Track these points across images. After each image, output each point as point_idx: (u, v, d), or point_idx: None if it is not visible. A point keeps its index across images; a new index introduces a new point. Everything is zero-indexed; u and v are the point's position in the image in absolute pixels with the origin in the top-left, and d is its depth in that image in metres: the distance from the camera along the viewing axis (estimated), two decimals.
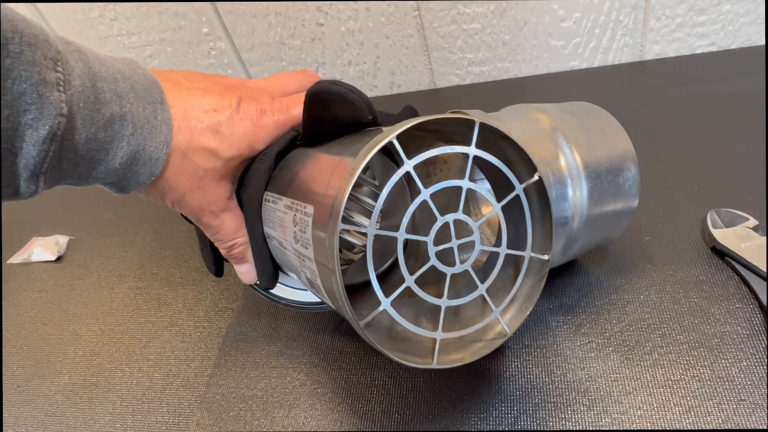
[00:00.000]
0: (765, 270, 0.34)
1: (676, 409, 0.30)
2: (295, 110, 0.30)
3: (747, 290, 0.35)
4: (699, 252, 0.38)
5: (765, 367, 0.31)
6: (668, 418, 0.30)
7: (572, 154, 0.31)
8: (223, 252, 0.33)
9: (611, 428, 0.30)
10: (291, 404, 0.36)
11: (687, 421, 0.30)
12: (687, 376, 0.32)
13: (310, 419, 0.35)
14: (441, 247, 0.25)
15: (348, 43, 0.60)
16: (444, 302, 0.25)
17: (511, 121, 0.33)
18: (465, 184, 0.24)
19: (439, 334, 0.25)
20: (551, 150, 0.31)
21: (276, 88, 0.32)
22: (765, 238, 0.36)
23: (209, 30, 0.62)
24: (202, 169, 0.28)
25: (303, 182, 0.27)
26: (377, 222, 0.27)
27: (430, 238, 0.24)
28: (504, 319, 0.28)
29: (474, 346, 0.27)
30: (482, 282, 0.26)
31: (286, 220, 0.27)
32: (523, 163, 0.26)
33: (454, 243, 0.25)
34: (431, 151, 0.23)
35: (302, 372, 0.38)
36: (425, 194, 0.23)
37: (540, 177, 0.26)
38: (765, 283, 0.34)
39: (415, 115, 0.34)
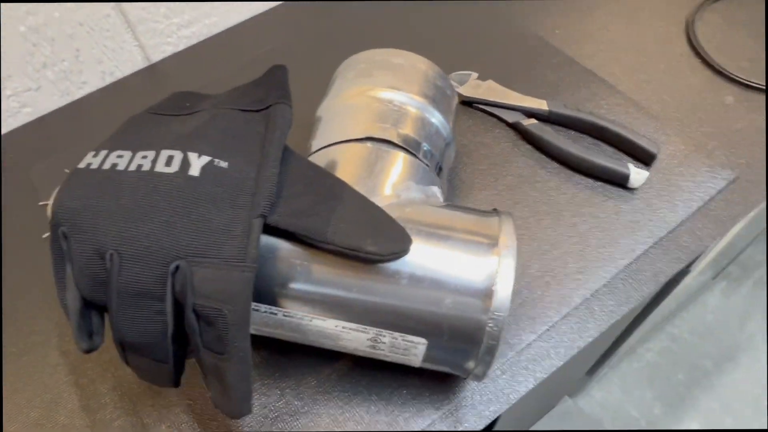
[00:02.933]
0: (501, 101, 0.50)
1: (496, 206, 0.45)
2: None
3: (496, 119, 0.51)
4: (457, 108, 0.52)
5: (528, 166, 0.48)
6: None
7: (414, 99, 0.38)
8: None
9: None
10: None
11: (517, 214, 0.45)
12: (496, 189, 0.47)
13: None
14: None
15: (35, 42, 0.51)
16: None
17: (340, 122, 0.37)
18: None
19: None
20: (403, 112, 0.37)
21: None
22: (488, 81, 0.52)
23: None
24: None
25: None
26: None
27: None
28: None
29: None
30: None
31: (349, 331, 0.32)
32: None
33: None
34: None
35: None
36: None
37: None
38: (504, 110, 0.50)
39: (285, 76, 0.36)
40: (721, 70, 0.53)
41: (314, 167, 0.33)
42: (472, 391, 0.38)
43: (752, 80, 0.52)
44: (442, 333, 0.30)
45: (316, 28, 0.61)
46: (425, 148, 0.37)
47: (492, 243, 0.31)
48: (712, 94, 0.52)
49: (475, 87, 0.52)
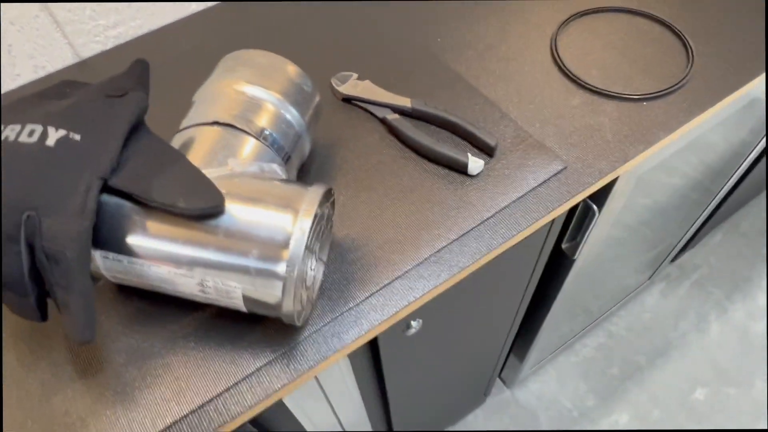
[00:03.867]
0: (373, 99, 0.58)
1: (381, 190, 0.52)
2: None
3: (370, 114, 0.58)
4: (337, 105, 0.60)
5: (389, 155, 0.55)
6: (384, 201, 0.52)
7: (268, 94, 0.45)
8: None
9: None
10: None
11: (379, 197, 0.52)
12: (358, 173, 0.54)
13: None
14: None
15: None
16: None
17: (200, 108, 0.44)
18: None
19: None
20: (256, 104, 0.44)
21: None
22: (366, 81, 0.59)
23: None
24: None
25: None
26: None
27: None
28: None
29: None
30: None
31: (180, 276, 0.38)
32: None
33: None
34: None
35: None
36: None
37: None
38: (376, 107, 0.58)
39: (146, 69, 0.43)
40: (572, 77, 0.60)
41: (160, 142, 0.40)
42: (305, 340, 0.45)
43: (597, 86, 0.59)
44: (251, 278, 0.38)
45: (226, 31, 0.69)
46: (268, 133, 0.44)
47: (295, 208, 0.38)
48: (562, 97, 0.59)
49: (353, 86, 0.59)
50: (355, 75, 0.60)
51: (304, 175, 0.54)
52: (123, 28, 0.67)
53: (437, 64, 0.63)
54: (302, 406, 0.56)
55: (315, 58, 0.64)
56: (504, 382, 1.35)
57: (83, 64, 0.67)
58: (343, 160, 0.55)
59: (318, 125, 0.57)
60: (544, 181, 0.53)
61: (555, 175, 0.53)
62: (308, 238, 0.37)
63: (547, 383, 1.35)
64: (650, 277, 1.43)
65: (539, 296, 0.88)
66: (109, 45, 0.68)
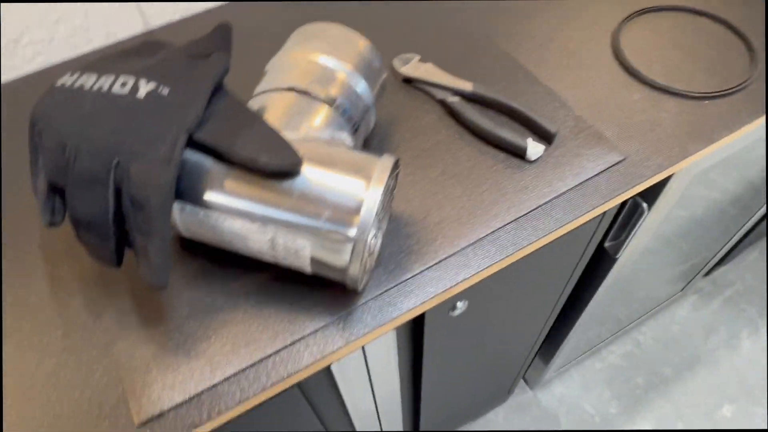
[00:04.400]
0: (434, 81, 0.59)
1: (433, 174, 0.53)
2: None
3: (428, 96, 0.59)
4: (398, 85, 0.61)
5: (447, 136, 0.56)
6: (432, 187, 0.53)
7: (342, 65, 0.46)
8: None
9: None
10: None
11: (436, 186, 0.53)
12: (416, 151, 0.55)
13: None
14: None
15: (50, 3, 0.61)
16: None
17: (275, 75, 0.46)
18: None
19: None
20: (329, 74, 0.46)
21: None
22: (428, 64, 0.60)
23: None
24: None
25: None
26: None
27: None
28: None
29: None
30: None
31: (252, 232, 0.39)
32: None
33: None
34: None
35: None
36: None
37: None
38: (437, 89, 0.59)
39: (229, 33, 0.45)
40: (633, 71, 0.60)
41: (239, 103, 0.42)
42: (362, 307, 0.46)
43: (658, 82, 0.59)
44: (322, 239, 0.39)
45: (290, 8, 0.71)
46: (340, 103, 0.45)
47: (368, 175, 0.39)
48: (622, 90, 0.59)
49: (415, 68, 0.60)
50: (417, 57, 0.61)
51: (365, 150, 0.55)
52: (192, 3, 0.69)
53: (497, 52, 0.63)
54: (346, 378, 0.57)
55: (379, 38, 0.65)
56: (527, 382, 1.34)
57: (149, 34, 0.69)
58: (401, 139, 0.56)
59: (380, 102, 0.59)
60: (602, 171, 0.53)
61: (613, 165, 0.53)
62: (379, 205, 0.38)
63: (571, 387, 1.34)
64: (682, 289, 1.41)
65: (574, 298, 0.88)
66: (177, 17, 0.70)
